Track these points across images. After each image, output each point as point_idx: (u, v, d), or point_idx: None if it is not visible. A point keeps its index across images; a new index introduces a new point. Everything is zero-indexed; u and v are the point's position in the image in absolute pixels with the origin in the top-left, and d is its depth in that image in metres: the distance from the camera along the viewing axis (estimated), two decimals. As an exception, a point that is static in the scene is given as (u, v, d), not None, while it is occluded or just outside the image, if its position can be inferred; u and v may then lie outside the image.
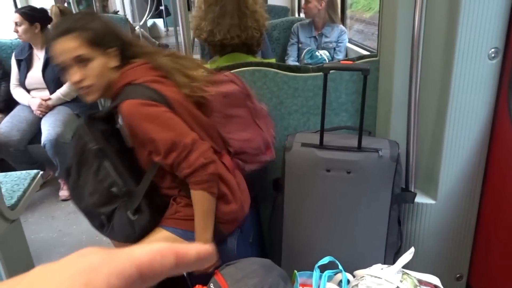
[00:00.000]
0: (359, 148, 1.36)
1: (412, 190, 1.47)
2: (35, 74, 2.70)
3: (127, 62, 1.24)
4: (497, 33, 1.24)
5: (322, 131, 1.38)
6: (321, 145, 1.38)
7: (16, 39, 2.90)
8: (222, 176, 1.27)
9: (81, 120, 1.28)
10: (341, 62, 1.83)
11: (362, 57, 1.67)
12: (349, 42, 2.88)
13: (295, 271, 1.32)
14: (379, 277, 1.21)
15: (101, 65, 1.20)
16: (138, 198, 1.24)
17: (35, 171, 2.09)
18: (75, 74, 1.18)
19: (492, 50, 1.26)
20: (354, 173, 1.36)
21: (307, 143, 1.39)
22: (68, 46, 1.16)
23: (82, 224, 2.44)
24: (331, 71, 1.51)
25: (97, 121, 1.28)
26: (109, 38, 1.22)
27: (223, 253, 1.30)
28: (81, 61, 1.17)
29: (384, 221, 1.40)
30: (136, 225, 1.26)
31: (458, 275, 1.58)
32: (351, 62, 1.58)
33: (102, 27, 1.21)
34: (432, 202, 1.47)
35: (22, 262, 1.97)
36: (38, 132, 2.60)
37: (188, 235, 1.27)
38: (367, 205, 1.39)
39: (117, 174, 1.23)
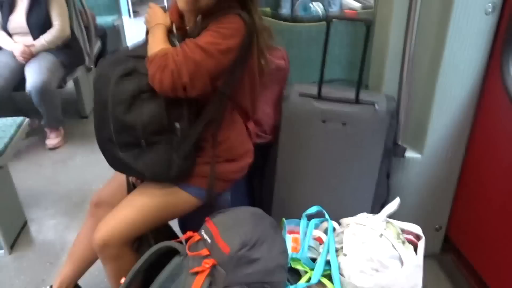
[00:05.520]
0: (357, 101, 1.36)
1: (400, 144, 1.50)
2: (18, 19, 2.57)
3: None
4: None
5: (320, 82, 1.37)
6: (319, 96, 1.39)
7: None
8: (242, 140, 1.28)
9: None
10: (345, 11, 1.79)
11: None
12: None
13: (283, 219, 1.36)
14: (364, 225, 1.26)
15: None
16: (190, 142, 1.15)
17: (21, 118, 2.04)
18: None
19: (489, 4, 1.24)
20: (349, 125, 1.37)
21: (305, 93, 1.40)
22: None
23: (70, 173, 2.44)
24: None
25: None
26: None
27: (218, 204, 1.31)
28: None
29: (374, 174, 1.44)
30: (174, 168, 1.16)
31: (437, 226, 1.65)
32: (355, 12, 1.54)
33: None
34: (419, 156, 1.50)
35: (11, 207, 1.98)
36: (22, 79, 2.52)
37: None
38: (359, 157, 1.42)
39: (189, 111, 1.13)
